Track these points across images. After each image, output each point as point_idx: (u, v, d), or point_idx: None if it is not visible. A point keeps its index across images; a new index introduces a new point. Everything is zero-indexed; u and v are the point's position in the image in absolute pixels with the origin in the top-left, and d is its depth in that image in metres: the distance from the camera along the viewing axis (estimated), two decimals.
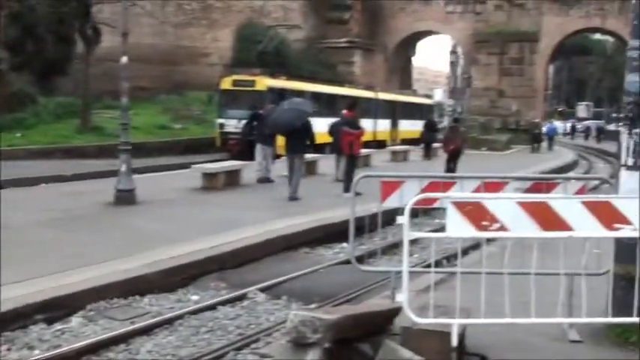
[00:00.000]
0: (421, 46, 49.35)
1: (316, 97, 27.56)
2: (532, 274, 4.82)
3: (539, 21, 40.50)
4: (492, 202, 4.60)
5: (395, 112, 34.77)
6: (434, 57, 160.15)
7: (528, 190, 5.77)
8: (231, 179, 15.04)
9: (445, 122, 44.66)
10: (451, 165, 18.03)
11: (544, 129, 38.92)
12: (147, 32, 33.72)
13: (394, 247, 10.92)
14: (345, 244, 11.15)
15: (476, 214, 4.59)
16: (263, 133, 16.26)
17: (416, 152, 27.39)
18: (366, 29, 41.96)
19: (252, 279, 8.30)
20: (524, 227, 4.60)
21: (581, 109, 73.22)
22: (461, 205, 4.60)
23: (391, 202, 5.98)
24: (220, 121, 25.08)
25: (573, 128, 58.43)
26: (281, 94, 24.85)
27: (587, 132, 57.30)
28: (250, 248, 9.20)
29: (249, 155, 22.67)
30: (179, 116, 30.64)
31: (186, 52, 36.91)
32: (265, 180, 16.00)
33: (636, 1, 5.42)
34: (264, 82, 24.52)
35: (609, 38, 61.33)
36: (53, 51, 27.51)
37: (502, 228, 4.61)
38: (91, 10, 24.60)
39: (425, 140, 27.39)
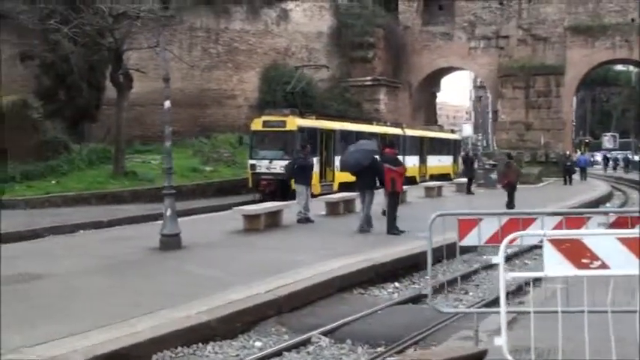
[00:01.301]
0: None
1: (345, 135, 27.58)
2: (609, 311, 4.60)
3: (564, 54, 40.43)
4: (591, 239, 4.41)
5: (422, 147, 34.64)
6: (453, 92, 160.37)
7: (613, 225, 5.55)
8: (273, 220, 14.92)
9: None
10: (510, 198, 19.76)
11: (575, 160, 38.56)
12: (176, 77, 33.86)
13: (453, 285, 10.74)
14: (397, 284, 10.98)
15: (575, 251, 4.39)
16: (303, 174, 16.22)
17: (447, 188, 27.20)
18: (390, 67, 42.13)
19: (312, 322, 8.10)
20: (625, 264, 4.39)
21: (607, 139, 72.54)
22: (558, 243, 4.41)
23: (470, 241, 5.77)
24: (252, 162, 25.07)
25: (606, 159, 57.60)
26: (311, 134, 24.96)
27: (615, 163, 56.65)
28: (306, 291, 9.01)
29: (281, 195, 22.78)
30: (209, 159, 30.71)
31: (212, 94, 37.19)
32: (305, 220, 15.86)
33: None
34: (294, 122, 24.53)
35: (631, 68, 61.25)
36: (84, 98, 27.82)
37: (603, 265, 4.41)
38: (123, 56, 24.86)
39: (465, 175, 27.33)
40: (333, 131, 26.43)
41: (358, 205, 15.97)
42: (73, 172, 24.52)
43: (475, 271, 11.46)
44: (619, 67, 63.71)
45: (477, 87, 42.58)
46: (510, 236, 4.57)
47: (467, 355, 5.03)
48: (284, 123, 24.62)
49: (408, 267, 11.67)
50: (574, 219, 5.61)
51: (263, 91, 37.42)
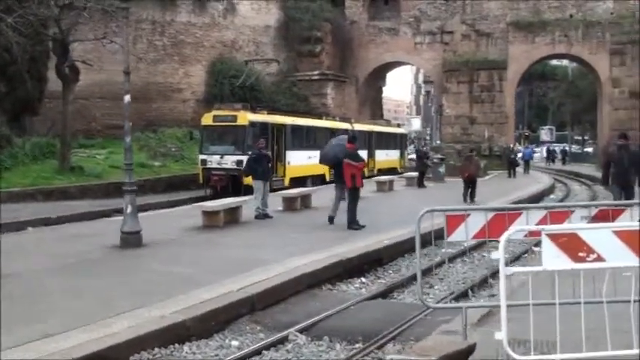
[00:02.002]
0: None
1: (296, 130, 27.54)
2: (604, 302, 4.71)
3: (506, 49, 41.26)
4: (588, 233, 4.48)
5: (371, 142, 34.86)
6: (394, 86, 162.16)
7: (595, 218, 5.67)
8: (232, 216, 14.76)
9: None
10: (469, 190, 20.61)
11: (519, 154, 39.42)
12: (119, 69, 33.26)
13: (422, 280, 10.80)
14: (363, 279, 11.01)
15: (572, 245, 4.46)
16: (261, 169, 16.10)
17: (398, 182, 27.44)
18: (337, 61, 42.24)
19: (286, 320, 8.05)
20: (621, 257, 4.48)
21: (545, 132, 74.50)
22: (556, 237, 4.47)
23: (457, 236, 5.79)
24: (202, 157, 24.74)
25: (549, 152, 58.91)
26: (262, 129, 24.79)
27: (553, 155, 58.21)
28: (277, 288, 8.94)
29: (233, 191, 22.58)
30: (156, 153, 30.20)
31: (158, 88, 36.57)
32: (263, 216, 15.76)
33: None
34: (245, 117, 24.31)
35: (565, 62, 62.97)
36: (26, 90, 26.93)
37: (599, 258, 4.49)
38: (70, 48, 24.13)
39: (418, 169, 27.66)
40: (284, 126, 26.33)
41: (330, 197, 15.88)
42: (16, 167, 23.72)
43: (438, 264, 11.56)
44: (555, 62, 65.47)
45: (425, 82, 42.80)
46: (513, 229, 4.60)
47: (459, 350, 5.06)
48: (235, 118, 24.38)
49: (373, 262, 11.74)
50: (558, 213, 5.71)
51: (210, 85, 37.01)
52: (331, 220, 14.89)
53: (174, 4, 36.79)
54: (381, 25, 43.55)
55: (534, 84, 70.60)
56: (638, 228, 4.47)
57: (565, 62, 62.34)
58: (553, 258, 4.44)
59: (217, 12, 38.38)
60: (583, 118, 63.03)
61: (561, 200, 25.11)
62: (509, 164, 34.69)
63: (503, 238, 4.47)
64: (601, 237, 4.47)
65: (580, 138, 71.06)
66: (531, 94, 77.21)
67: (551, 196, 27.02)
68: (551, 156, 57.44)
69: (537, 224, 5.53)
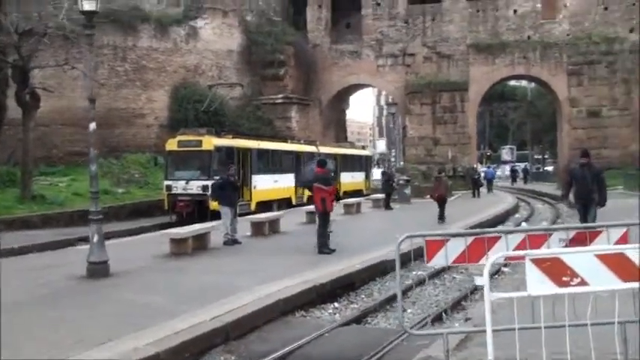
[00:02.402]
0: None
1: (261, 154, 27.45)
2: (589, 324, 4.71)
3: (467, 70, 41.91)
4: (571, 257, 4.48)
5: (336, 164, 34.89)
6: (357, 108, 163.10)
7: (573, 241, 5.68)
8: (200, 243, 14.55)
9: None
10: (441, 210, 21.02)
11: (482, 173, 39.85)
12: (82, 95, 32.85)
13: (391, 302, 10.77)
14: (336, 304, 10.91)
15: (555, 269, 4.45)
16: (229, 195, 15.94)
17: (365, 204, 27.48)
18: (300, 84, 42.39)
19: (261, 349, 7.90)
20: (604, 280, 4.49)
21: (506, 152, 75.61)
22: (539, 262, 4.46)
23: (437, 261, 5.75)
24: (167, 182, 24.44)
25: (513, 171, 59.23)
26: (228, 153, 24.65)
27: (516, 174, 58.89)
28: (251, 316, 8.79)
29: (198, 217, 22.33)
30: (120, 180, 29.76)
31: (121, 114, 36.10)
32: (232, 242, 15.58)
33: None
34: (210, 142, 24.14)
35: (525, 84, 64.15)
36: None
37: (582, 282, 4.49)
38: (30, 75, 23.74)
39: (384, 191, 27.75)
40: (249, 150, 26.21)
41: (297, 221, 15.98)
42: None
43: (410, 288, 11.52)
44: (514, 83, 66.65)
45: (389, 104, 43.12)
46: (498, 255, 4.58)
47: None
48: (200, 142, 24.20)
49: (345, 286, 11.65)
50: (536, 236, 5.71)
51: (173, 110, 36.71)
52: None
53: (135, 30, 36.52)
54: (343, 49, 43.92)
55: (494, 104, 71.69)
56: (620, 251, 4.47)
57: (524, 83, 63.49)
58: (537, 283, 4.42)
59: (179, 37, 38.21)
60: (543, 137, 64.18)
61: (527, 219, 25.38)
62: (473, 184, 35.01)
63: (487, 265, 4.44)
64: (584, 261, 4.47)
65: (540, 157, 72.22)
66: (492, 115, 78.47)
67: (516, 215, 27.30)
68: (514, 175, 58.00)
69: (517, 248, 5.52)
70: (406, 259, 9.56)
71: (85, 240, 18.11)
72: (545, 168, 65.86)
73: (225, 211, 15.85)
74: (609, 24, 40.82)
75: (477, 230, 7.00)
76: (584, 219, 13.10)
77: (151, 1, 38.45)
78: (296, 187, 30.24)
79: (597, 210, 13.25)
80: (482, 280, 4.44)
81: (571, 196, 14.03)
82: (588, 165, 13.43)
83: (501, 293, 4.51)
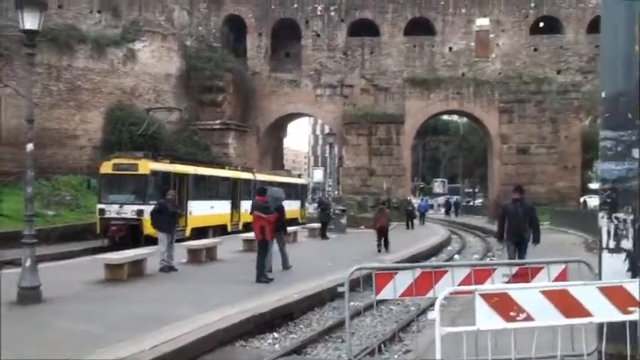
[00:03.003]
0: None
1: (198, 179, 27.21)
2: (533, 358, 4.87)
3: (403, 104, 42.76)
4: (518, 293, 4.62)
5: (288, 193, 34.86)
6: (292, 137, 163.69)
7: (516, 276, 5.86)
8: (136, 269, 14.25)
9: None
10: (381, 240, 21.77)
11: (416, 205, 40.46)
12: (13, 114, 32.00)
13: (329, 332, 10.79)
14: (275, 334, 10.85)
15: (503, 305, 4.58)
16: (167, 221, 15.69)
17: (301, 232, 27.46)
18: (239, 111, 42.35)
19: None
20: (549, 316, 4.64)
21: (437, 185, 77.24)
22: (489, 297, 4.58)
23: (386, 294, 5.82)
24: (101, 206, 23.88)
25: (456, 205, 60.04)
26: (164, 178, 24.34)
27: (447, 207, 59.99)
28: (191, 346, 8.64)
29: (132, 242, 21.91)
30: (50, 202, 28.91)
31: (52, 134, 35.20)
32: (168, 269, 15.32)
33: (606, 97, 5.77)
34: (147, 166, 23.80)
35: (457, 118, 65.86)
36: None
37: (528, 317, 4.63)
38: None
39: (320, 220, 27.84)
40: (186, 175, 25.95)
41: (234, 249, 16.03)
42: None
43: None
44: (447, 117, 68.35)
45: (328, 134, 43.47)
46: (449, 290, 4.68)
47: None
48: (136, 166, 23.81)
49: (284, 316, 11.61)
50: (481, 271, 5.85)
51: (108, 132, 36.02)
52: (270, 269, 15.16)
53: (71, 49, 35.83)
54: (282, 77, 44.20)
55: (427, 137, 73.27)
56: (563, 288, 4.64)
57: (456, 117, 65.19)
58: (486, 317, 4.53)
59: (117, 58, 37.67)
60: (474, 171, 65.80)
61: (459, 252, 25.90)
62: (407, 216, 35.48)
63: (438, 300, 4.53)
64: (530, 297, 4.62)
65: (471, 190, 73.98)
66: (425, 148, 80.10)
67: (449, 248, 27.81)
68: (449, 208, 58.90)
69: (462, 281, 5.65)
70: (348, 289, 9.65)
71: (11, 263, 17.55)
72: (476, 201, 67.44)
73: (162, 237, 15.59)
74: (538, 65, 42.52)
75: (425, 264, 7.13)
76: (513, 257, 12.66)
77: (88, 21, 37.91)
78: (232, 213, 30.06)
79: (530, 247, 12.99)
80: (434, 314, 4.52)
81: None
82: (521, 201, 13.20)
83: (451, 328, 4.60)
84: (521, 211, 13.04)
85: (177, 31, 40.71)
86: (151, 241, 20.63)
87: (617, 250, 5.54)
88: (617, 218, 5.64)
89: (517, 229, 12.94)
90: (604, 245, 5.63)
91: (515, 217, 12.99)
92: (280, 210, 15.71)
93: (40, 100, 34.23)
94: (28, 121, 11.73)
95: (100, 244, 23.30)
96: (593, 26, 40.19)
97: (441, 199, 70.98)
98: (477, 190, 72.41)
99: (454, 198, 65.81)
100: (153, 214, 16.16)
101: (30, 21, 11.37)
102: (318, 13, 43.77)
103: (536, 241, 13.03)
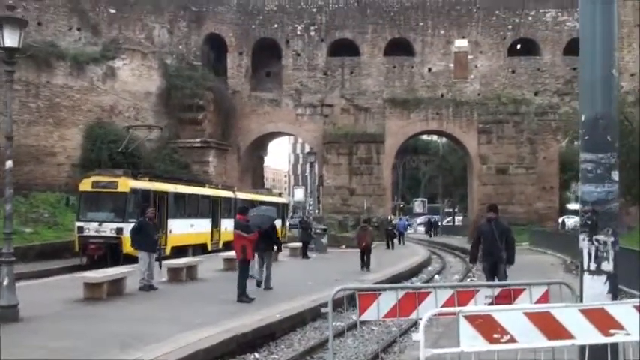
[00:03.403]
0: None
1: (178, 197, 27.11)
2: None
3: (384, 123, 43.03)
4: (502, 314, 4.66)
5: (279, 212, 34.84)
6: (273, 155, 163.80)
7: (498, 297, 5.91)
8: (116, 288, 14.12)
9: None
10: (365, 258, 22.01)
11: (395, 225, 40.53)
12: None
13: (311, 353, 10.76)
14: (257, 354, 10.79)
15: (487, 326, 4.61)
16: (147, 240, 15.59)
17: (283, 252, 27.35)
18: (219, 129, 42.34)
19: None
20: (532, 338, 4.68)
21: (417, 204, 77.52)
22: (472, 319, 4.61)
23: (369, 315, 5.84)
24: (79, 224, 23.71)
25: (431, 224, 59.94)
26: (144, 196, 24.22)
27: (429, 226, 60.01)
28: None
29: (111, 260, 21.74)
30: (27, 219, 28.60)
31: (30, 151, 34.88)
32: (148, 288, 15.20)
33: (585, 120, 5.85)
34: (127, 184, 23.69)
35: (436, 138, 66.31)
36: None
37: (512, 339, 4.66)
38: None
39: (302, 239, 27.86)
40: (166, 193, 25.84)
41: (255, 265, 16.38)
42: None
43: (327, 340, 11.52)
44: (427, 137, 68.79)
45: (309, 153, 43.54)
46: (429, 313, 4.70)
47: None
48: (116, 184, 23.70)
49: (265, 336, 11.55)
50: (464, 292, 5.89)
51: (87, 150, 35.79)
52: (258, 283, 16.11)
53: (50, 66, 35.65)
54: (263, 96, 44.32)
55: (407, 157, 73.60)
56: (546, 310, 4.69)
57: (436, 137, 65.61)
58: (470, 339, 4.56)
59: (96, 76, 37.53)
60: (454, 191, 66.13)
61: (440, 272, 25.98)
62: (387, 235, 35.53)
63: (423, 321, 4.56)
64: (513, 318, 4.66)
65: (451, 210, 74.32)
66: (405, 167, 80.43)
67: (429, 268, 27.90)
68: (431, 227, 58.76)
69: (446, 302, 5.68)
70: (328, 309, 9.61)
71: None
72: (456, 222, 67.68)
73: (143, 256, 15.48)
74: (516, 86, 43.07)
75: (409, 285, 7.16)
76: (491, 278, 12.38)
77: (68, 38, 37.75)
78: (212, 232, 29.95)
79: (506, 268, 12.57)
80: (419, 336, 4.54)
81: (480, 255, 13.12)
82: (495, 221, 12.79)
83: (436, 349, 4.62)
84: (497, 231, 12.59)
85: (158, 50, 40.68)
86: (130, 259, 20.54)
87: (598, 272, 5.59)
88: (597, 240, 5.70)
89: (492, 249, 12.54)
90: (585, 267, 5.68)
91: (491, 238, 12.58)
92: (272, 228, 16.19)
93: (18, 117, 33.90)
94: (7, 138, 11.65)
95: (78, 262, 23.09)
96: (570, 48, 40.88)
97: (421, 219, 71.20)
98: (456, 210, 72.78)
99: (434, 218, 66.00)
100: (132, 233, 16.06)
101: (10, 38, 11.36)
102: (299, 33, 44.04)
103: (510, 261, 12.60)
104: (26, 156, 34.56)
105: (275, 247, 16.90)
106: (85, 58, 37.14)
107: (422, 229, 65.92)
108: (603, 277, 5.56)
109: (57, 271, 21.34)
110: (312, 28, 43.89)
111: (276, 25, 44.02)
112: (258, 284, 16.07)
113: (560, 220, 46.58)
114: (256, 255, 15.64)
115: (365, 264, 21.89)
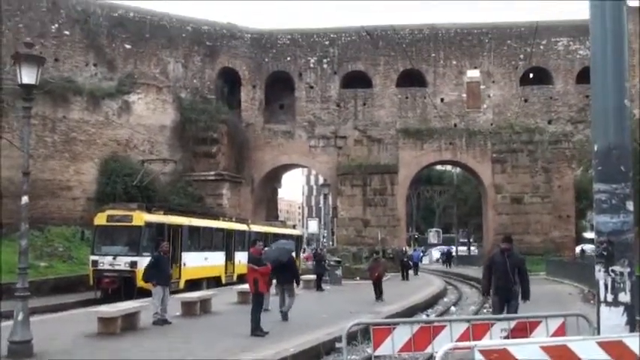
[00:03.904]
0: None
1: (193, 230, 27.13)
2: None
3: (397, 154, 43.06)
4: (518, 348, 4.59)
5: (267, 243, 34.71)
6: (287, 187, 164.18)
7: (514, 330, 5.82)
8: (130, 322, 14.07)
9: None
10: (378, 289, 22.23)
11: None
12: (3, 165, 31.99)
13: None
14: None
15: None
16: (162, 273, 15.58)
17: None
18: (233, 162, 42.54)
19: None
20: None
21: (432, 235, 77.16)
22: (488, 353, 4.54)
23: (384, 350, 5.76)
24: (94, 257, 23.75)
25: (448, 255, 59.32)
26: (159, 229, 24.27)
27: (446, 257, 59.44)
28: None
29: (125, 294, 21.71)
30: (42, 253, 28.73)
31: (46, 185, 35.21)
32: (162, 322, 15.12)
33: (598, 150, 5.82)
34: (141, 217, 23.75)
35: (450, 168, 66.22)
36: None
37: None
38: None
39: (315, 272, 27.72)
40: (180, 227, 25.87)
41: (229, 301, 16.13)
42: None
43: None
44: (440, 167, 68.76)
45: (323, 185, 43.55)
46: (444, 348, 4.64)
47: None
48: (130, 218, 23.77)
49: None
50: (479, 325, 5.82)
51: (102, 183, 36.08)
52: (284, 316, 16.05)
53: (67, 101, 36.14)
54: (276, 128, 44.54)
55: (421, 187, 73.49)
56: (563, 343, 4.62)
57: (449, 167, 65.53)
58: None
59: (112, 110, 38.00)
60: (469, 221, 65.79)
61: (455, 303, 25.69)
62: (403, 266, 35.28)
63: (439, 355, 4.50)
64: (530, 352, 4.58)
65: (466, 240, 73.87)
66: (419, 198, 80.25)
67: (445, 299, 27.62)
68: (449, 258, 57.92)
69: (461, 336, 5.61)
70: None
71: (3, 316, 17.31)
72: (471, 252, 67.19)
73: (157, 290, 15.44)
74: (529, 115, 43.02)
75: (423, 318, 7.08)
76: (500, 313, 11.41)
77: (84, 74, 38.28)
78: (226, 264, 29.91)
79: (520, 303, 11.97)
80: None
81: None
82: (509, 252, 12.14)
83: None
84: (510, 263, 11.96)
85: (172, 84, 41.13)
86: (144, 293, 20.52)
87: (615, 303, 5.53)
88: (613, 271, 5.64)
89: (505, 282, 11.91)
90: (602, 298, 5.62)
91: (503, 269, 11.93)
92: (291, 261, 16.42)
93: (34, 152, 34.28)
94: (24, 173, 11.73)
95: (92, 296, 23.08)
96: (582, 77, 40.86)
97: (436, 250, 70.68)
98: (472, 240, 72.32)
99: (450, 248, 65.47)
100: (148, 267, 16.01)
101: (28, 76, 11.52)
102: (311, 65, 44.38)
103: (526, 297, 12.02)
104: (42, 190, 34.89)
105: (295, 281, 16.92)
106: (100, 93, 37.65)
107: (435, 257, 65.45)
108: (621, 309, 5.50)
109: (71, 305, 21.34)
110: (324, 60, 44.24)
111: (289, 58, 44.41)
112: (285, 317, 16.01)
113: (579, 248, 46.08)
114: (275, 287, 15.70)
115: (378, 295, 22.09)
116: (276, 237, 36.72)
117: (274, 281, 16.40)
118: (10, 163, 31.84)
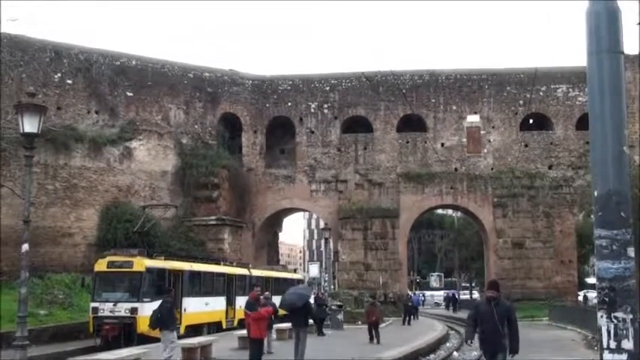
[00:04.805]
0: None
1: (193, 275, 27.01)
2: None
3: (398, 198, 43.12)
4: None
5: (268, 288, 34.55)
6: (287, 231, 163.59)
7: None
8: None
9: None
10: (373, 333, 22.79)
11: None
12: (6, 213, 32.05)
13: None
14: None
15: None
16: (171, 319, 15.50)
17: None
18: (234, 207, 42.60)
19: None
20: None
21: (434, 279, 76.75)
22: None
23: None
24: (94, 304, 23.55)
25: (454, 300, 57.72)
26: (159, 275, 24.17)
27: (449, 301, 58.89)
28: None
29: (125, 341, 21.52)
30: (42, 301, 28.50)
31: (47, 232, 35.17)
32: None
33: (598, 196, 5.85)
34: (142, 263, 23.65)
35: (451, 212, 66.18)
36: None
37: None
38: None
39: (317, 317, 27.38)
40: (181, 272, 25.78)
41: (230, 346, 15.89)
42: None
43: None
44: (441, 211, 68.71)
45: (324, 229, 43.46)
46: None
47: None
48: (131, 263, 23.68)
49: None
50: None
51: (103, 230, 36.06)
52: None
53: (68, 149, 36.33)
54: (277, 173, 44.73)
55: (422, 231, 73.42)
56: None
57: (450, 211, 65.51)
58: None
59: (113, 157, 38.20)
60: (470, 265, 65.55)
61: (458, 348, 25.45)
62: (405, 311, 34.97)
63: None
64: None
65: (468, 285, 73.46)
66: (420, 241, 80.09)
67: (447, 344, 27.36)
68: (454, 302, 56.94)
69: None
70: None
71: None
72: (473, 296, 66.72)
73: (167, 335, 15.31)
74: (530, 160, 43.23)
75: None
76: None
77: (86, 121, 38.58)
78: (227, 309, 29.69)
79: (509, 358, 10.51)
80: None
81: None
82: (496, 300, 10.65)
83: None
84: (497, 312, 10.46)
85: (174, 130, 41.43)
86: (144, 340, 20.35)
87: (619, 350, 5.50)
88: (616, 318, 5.62)
89: (492, 334, 10.43)
90: (605, 345, 5.59)
91: (490, 320, 10.43)
92: (307, 306, 16.50)
93: (35, 199, 34.36)
94: (24, 222, 11.76)
95: (93, 343, 22.85)
96: (582, 123, 41.16)
97: (437, 294, 70.11)
98: (473, 285, 71.88)
99: (453, 292, 65.00)
100: (164, 313, 15.85)
101: (29, 124, 11.68)
102: (312, 110, 44.79)
103: (514, 351, 10.43)
104: (43, 237, 34.85)
105: (311, 320, 17.62)
106: (102, 140, 37.89)
107: (435, 300, 64.97)
108: (624, 356, 5.47)
109: (70, 353, 21.08)
110: (325, 105, 44.66)
111: (290, 104, 44.84)
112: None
113: (581, 294, 45.72)
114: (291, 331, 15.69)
115: (373, 337, 22.73)
116: (277, 281, 36.68)
117: (289, 324, 16.73)
118: (12, 212, 31.93)
